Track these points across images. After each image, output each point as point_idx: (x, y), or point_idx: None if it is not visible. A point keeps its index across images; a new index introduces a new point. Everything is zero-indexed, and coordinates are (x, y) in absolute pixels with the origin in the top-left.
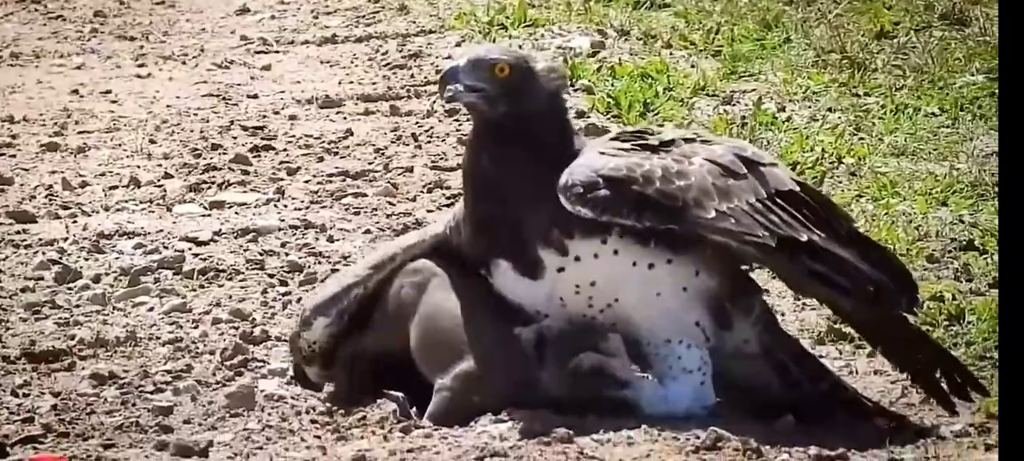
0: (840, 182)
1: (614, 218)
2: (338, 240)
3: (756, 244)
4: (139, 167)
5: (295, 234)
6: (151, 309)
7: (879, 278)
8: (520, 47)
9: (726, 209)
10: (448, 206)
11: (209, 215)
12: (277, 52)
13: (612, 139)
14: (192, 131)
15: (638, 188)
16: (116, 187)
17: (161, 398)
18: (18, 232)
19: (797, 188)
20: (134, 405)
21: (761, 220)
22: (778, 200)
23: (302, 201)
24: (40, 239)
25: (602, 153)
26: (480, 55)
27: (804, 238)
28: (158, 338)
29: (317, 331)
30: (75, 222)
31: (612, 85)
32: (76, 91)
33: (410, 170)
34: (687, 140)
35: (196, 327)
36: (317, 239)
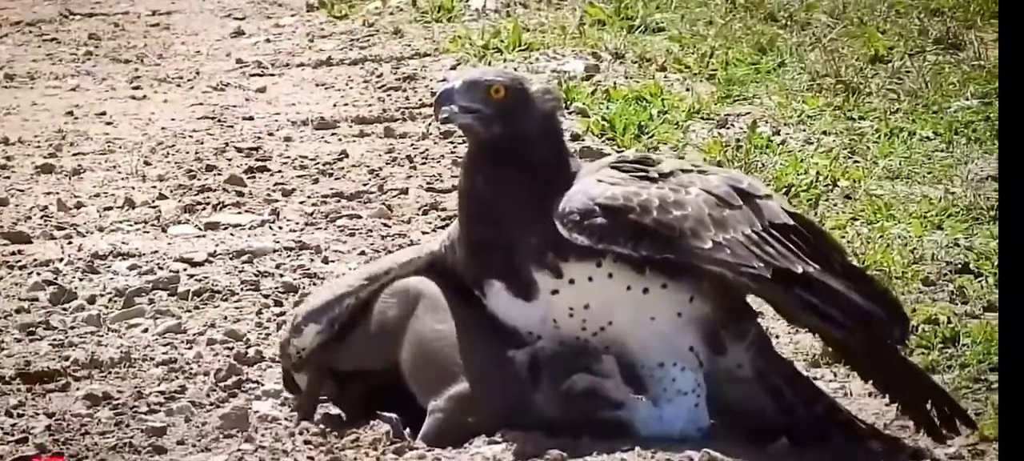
0: (835, 205)
1: (610, 246)
2: (333, 261)
3: (751, 275)
4: (134, 188)
5: (290, 255)
6: (145, 330)
7: (872, 310)
8: (515, 70)
9: (722, 240)
10: (443, 228)
11: (204, 236)
12: (272, 75)
13: (610, 165)
14: (187, 153)
15: (635, 217)
16: (111, 208)
17: (155, 419)
18: (13, 253)
19: (792, 220)
20: (128, 426)
21: (757, 251)
22: (773, 232)
23: (297, 222)
24: (35, 260)
25: (599, 181)
26: (475, 77)
27: (799, 270)
28: (152, 359)
29: (307, 338)
30: (70, 243)
31: (607, 108)
32: (71, 113)
33: (405, 192)
34: (684, 170)
35: (190, 348)
36: (312, 260)
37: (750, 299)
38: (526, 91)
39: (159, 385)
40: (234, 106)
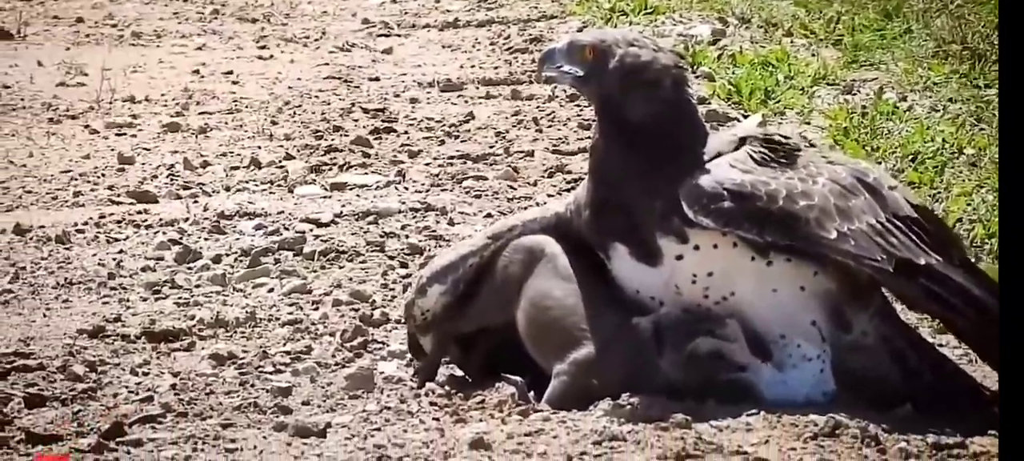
0: (960, 173)
1: (736, 230)
2: (458, 223)
3: (874, 268)
4: (260, 148)
5: (415, 217)
6: (271, 290)
7: (991, 302)
8: (641, 34)
9: (846, 230)
10: (568, 190)
11: (330, 197)
12: (399, 35)
13: (743, 146)
14: (313, 113)
15: (762, 204)
16: (237, 168)
17: (280, 379)
18: (139, 212)
19: (915, 213)
20: (253, 386)
21: (880, 242)
22: (896, 222)
23: (423, 184)
24: (161, 219)
25: (731, 165)
26: (574, 38)
27: (921, 261)
28: (278, 319)
29: (432, 299)
30: (196, 202)
31: (733, 73)
32: (197, 71)
33: (531, 154)
34: (812, 161)
35: (316, 309)
36: (437, 222)
37: None
38: (615, 54)
39: (284, 345)
40: (360, 67)
